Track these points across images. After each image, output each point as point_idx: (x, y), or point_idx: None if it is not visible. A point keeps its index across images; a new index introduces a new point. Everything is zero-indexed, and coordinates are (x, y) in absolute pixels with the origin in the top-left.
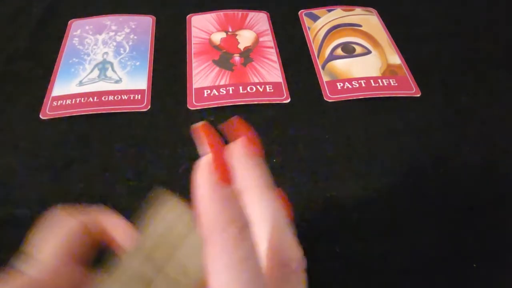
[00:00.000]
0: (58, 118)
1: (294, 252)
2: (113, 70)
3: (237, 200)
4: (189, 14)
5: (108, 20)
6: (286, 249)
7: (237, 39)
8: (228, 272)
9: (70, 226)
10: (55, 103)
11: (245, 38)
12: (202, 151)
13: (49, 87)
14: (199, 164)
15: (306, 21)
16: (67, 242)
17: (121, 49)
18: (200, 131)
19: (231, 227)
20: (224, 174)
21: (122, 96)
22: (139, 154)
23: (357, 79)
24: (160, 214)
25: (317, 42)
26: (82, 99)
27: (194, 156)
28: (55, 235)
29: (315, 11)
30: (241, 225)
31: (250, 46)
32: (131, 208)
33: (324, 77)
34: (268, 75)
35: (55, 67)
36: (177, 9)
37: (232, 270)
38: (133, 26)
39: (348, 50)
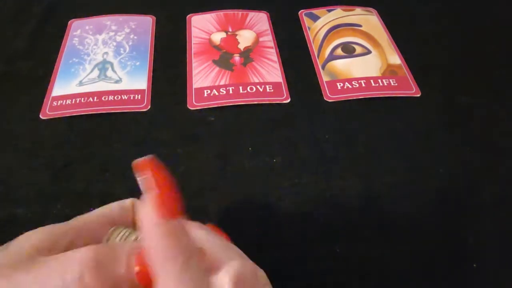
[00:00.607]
0: (58, 118)
1: (248, 268)
2: (113, 70)
3: (181, 233)
4: (189, 14)
5: (108, 20)
6: (239, 266)
7: (237, 39)
8: None
9: (122, 201)
10: (55, 103)
11: (245, 38)
12: (144, 186)
13: (49, 87)
14: (144, 201)
15: (306, 21)
16: (110, 211)
17: (121, 49)
18: (142, 167)
19: (176, 259)
20: (168, 209)
21: (122, 96)
22: (139, 154)
23: (357, 79)
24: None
25: (317, 42)
26: (82, 99)
27: (194, 156)
28: (105, 206)
29: (315, 11)
30: (185, 257)
31: (250, 46)
32: None
33: (324, 77)
34: (268, 75)
35: (55, 67)
36: (177, 9)
37: None
38: (133, 26)
39: (348, 50)
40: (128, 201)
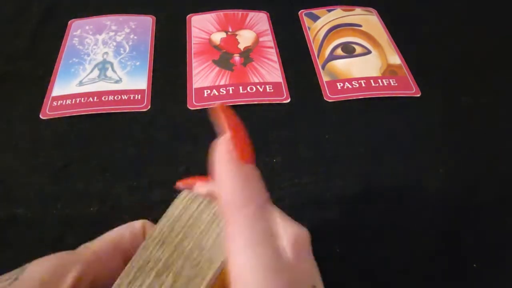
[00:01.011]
0: (58, 118)
1: (301, 229)
2: (113, 70)
3: (257, 178)
4: (189, 14)
5: (108, 20)
6: (294, 227)
7: (237, 39)
8: (250, 249)
9: (132, 226)
10: (55, 103)
11: (245, 38)
12: (220, 130)
13: (49, 87)
14: (218, 143)
15: (306, 21)
16: (121, 238)
17: (121, 49)
18: (219, 111)
19: (251, 204)
20: (243, 152)
21: (122, 96)
22: (139, 154)
23: (357, 79)
24: (179, 203)
25: (317, 42)
26: (82, 99)
27: (194, 156)
28: (115, 231)
29: (315, 11)
30: (261, 202)
31: (250, 46)
32: (131, 208)
33: (324, 77)
34: (268, 75)
35: (55, 67)
36: (177, 9)
37: (254, 247)
38: (133, 26)
39: (348, 50)
40: (138, 225)
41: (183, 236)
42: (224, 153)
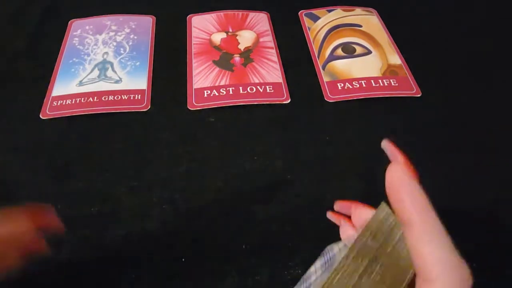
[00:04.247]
0: (58, 118)
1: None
2: (113, 70)
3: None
4: (189, 14)
5: (108, 20)
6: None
7: (237, 40)
8: (442, 244)
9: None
10: (55, 103)
11: (245, 38)
12: (392, 157)
13: (49, 87)
14: (394, 168)
15: (306, 21)
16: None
17: (121, 49)
18: (388, 144)
19: (432, 210)
20: (414, 173)
21: (122, 96)
22: (139, 154)
23: (357, 79)
24: (380, 212)
25: (317, 43)
26: (82, 99)
27: (194, 156)
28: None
29: (315, 12)
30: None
31: (250, 46)
32: (131, 208)
33: (324, 78)
34: (268, 76)
35: (55, 67)
36: (177, 9)
37: (445, 243)
38: (133, 26)
39: (349, 51)
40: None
41: (384, 240)
42: (403, 171)
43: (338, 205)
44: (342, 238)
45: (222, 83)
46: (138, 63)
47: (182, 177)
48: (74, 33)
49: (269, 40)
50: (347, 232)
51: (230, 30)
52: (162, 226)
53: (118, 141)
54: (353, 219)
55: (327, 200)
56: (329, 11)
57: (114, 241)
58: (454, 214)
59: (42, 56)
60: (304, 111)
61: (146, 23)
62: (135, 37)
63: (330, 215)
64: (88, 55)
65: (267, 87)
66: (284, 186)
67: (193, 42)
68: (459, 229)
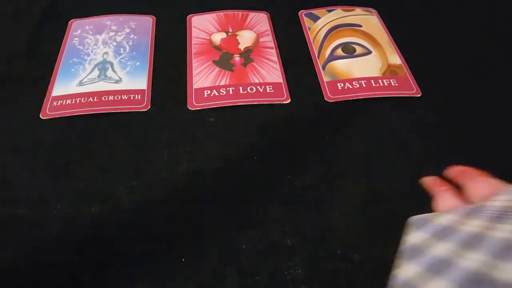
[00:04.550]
0: (58, 118)
1: None
2: (113, 70)
3: None
4: (189, 14)
5: (108, 20)
6: None
7: (237, 40)
8: None
9: None
10: (55, 103)
11: (245, 38)
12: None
13: (49, 87)
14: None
15: (306, 21)
16: None
17: (121, 49)
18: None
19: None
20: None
21: (122, 96)
22: (139, 154)
23: (357, 79)
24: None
25: (317, 43)
26: (82, 99)
27: (194, 157)
28: None
29: (315, 12)
30: None
31: (250, 46)
32: (131, 208)
33: (324, 78)
34: (268, 76)
35: (55, 67)
36: (177, 9)
37: None
38: (133, 26)
39: (349, 51)
40: None
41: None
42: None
43: (453, 170)
44: (437, 209)
45: (222, 83)
46: (138, 63)
47: (182, 177)
48: (74, 33)
49: (269, 40)
50: (448, 203)
51: (230, 30)
52: (162, 226)
53: (118, 141)
54: (472, 190)
55: (327, 200)
56: (329, 11)
57: (114, 241)
58: None
59: (42, 56)
60: (304, 111)
61: (146, 23)
62: (135, 37)
63: (427, 181)
64: (88, 55)
65: (267, 87)
66: (284, 186)
67: (193, 42)
68: None
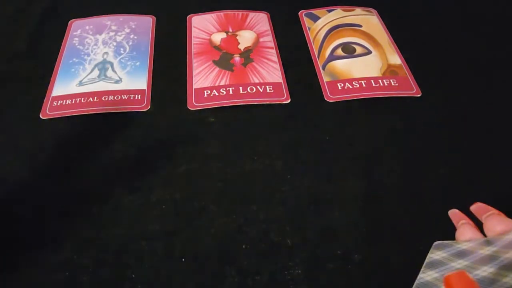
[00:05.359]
0: (58, 118)
1: None
2: (113, 70)
3: None
4: (189, 14)
5: (108, 20)
6: None
7: (237, 40)
8: None
9: None
10: (55, 103)
11: (245, 38)
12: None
13: (49, 87)
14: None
15: (306, 21)
16: None
17: (121, 49)
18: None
19: None
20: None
21: (122, 96)
22: (139, 154)
23: (357, 80)
24: None
25: (317, 43)
26: (82, 99)
27: (194, 157)
28: None
29: (315, 11)
30: None
31: (250, 46)
32: (131, 209)
33: (324, 78)
34: (268, 76)
35: (55, 67)
36: (177, 9)
37: None
38: (133, 26)
39: (349, 51)
40: None
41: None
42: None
43: (477, 206)
44: (458, 239)
45: (222, 83)
46: (138, 63)
47: (182, 177)
48: (74, 33)
49: (269, 40)
50: (467, 235)
51: (230, 30)
52: (162, 226)
53: (118, 141)
54: (488, 226)
55: (327, 200)
56: (329, 11)
57: (113, 241)
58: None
59: (42, 56)
60: (304, 111)
61: (146, 23)
62: (135, 37)
63: (452, 213)
64: (88, 55)
65: (267, 87)
66: (284, 186)
67: (193, 42)
68: None
